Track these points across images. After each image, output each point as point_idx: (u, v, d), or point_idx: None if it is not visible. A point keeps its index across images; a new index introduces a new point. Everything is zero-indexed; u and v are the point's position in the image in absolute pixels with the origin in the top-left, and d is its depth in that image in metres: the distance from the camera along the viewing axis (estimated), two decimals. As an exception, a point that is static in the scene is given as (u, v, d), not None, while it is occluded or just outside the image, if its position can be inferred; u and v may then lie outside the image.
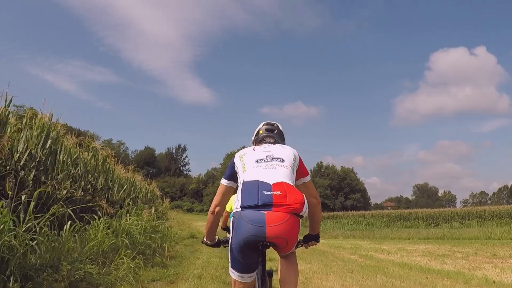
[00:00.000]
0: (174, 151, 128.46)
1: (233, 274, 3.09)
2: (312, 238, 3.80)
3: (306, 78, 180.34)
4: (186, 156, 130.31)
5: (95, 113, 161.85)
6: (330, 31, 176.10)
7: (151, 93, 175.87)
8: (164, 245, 12.37)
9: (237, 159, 3.49)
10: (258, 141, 3.86)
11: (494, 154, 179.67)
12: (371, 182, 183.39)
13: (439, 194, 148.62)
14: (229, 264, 3.10)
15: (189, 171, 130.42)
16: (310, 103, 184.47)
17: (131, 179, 15.93)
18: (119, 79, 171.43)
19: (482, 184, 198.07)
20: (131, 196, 14.82)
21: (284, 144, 3.84)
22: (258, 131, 3.96)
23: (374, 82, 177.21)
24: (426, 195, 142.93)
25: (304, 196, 3.00)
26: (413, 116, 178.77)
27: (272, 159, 3.31)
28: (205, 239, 3.90)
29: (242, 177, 3.27)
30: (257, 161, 3.31)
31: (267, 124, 3.99)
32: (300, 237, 3.62)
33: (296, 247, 3.46)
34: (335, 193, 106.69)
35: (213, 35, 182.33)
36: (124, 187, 14.20)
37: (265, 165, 3.25)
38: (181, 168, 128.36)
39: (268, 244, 3.00)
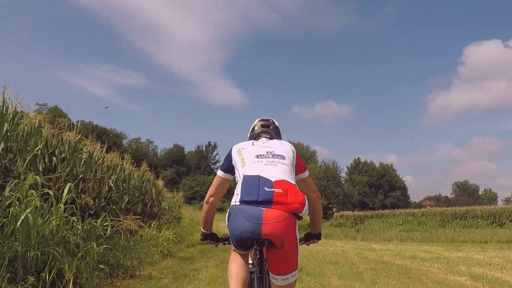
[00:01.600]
0: (204, 148, 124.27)
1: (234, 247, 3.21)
2: (313, 237, 3.90)
3: (337, 77, 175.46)
4: (217, 154, 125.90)
5: (127, 116, 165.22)
6: (359, 28, 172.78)
7: (182, 96, 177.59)
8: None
9: (234, 153, 3.52)
10: (254, 137, 3.90)
11: None
12: (405, 181, 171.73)
13: (480, 192, 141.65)
14: (230, 239, 3.23)
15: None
16: (342, 102, 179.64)
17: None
18: (150, 82, 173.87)
19: None
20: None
21: (279, 137, 3.98)
22: (253, 127, 4.06)
23: (406, 79, 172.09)
24: (466, 193, 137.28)
25: (305, 197, 3.04)
26: (446, 113, 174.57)
27: (273, 155, 3.35)
28: (202, 230, 3.89)
29: (241, 172, 3.30)
30: (257, 156, 3.34)
31: (262, 120, 4.08)
32: (301, 235, 3.72)
33: (299, 244, 3.39)
34: (374, 191, 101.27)
35: (242, 36, 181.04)
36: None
37: (266, 161, 3.27)
38: (212, 166, 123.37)
39: (264, 241, 2.97)
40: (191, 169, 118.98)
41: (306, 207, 2.99)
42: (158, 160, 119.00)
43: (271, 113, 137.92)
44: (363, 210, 66.58)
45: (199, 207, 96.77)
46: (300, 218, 3.00)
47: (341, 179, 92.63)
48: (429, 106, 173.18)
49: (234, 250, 3.23)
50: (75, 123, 11.58)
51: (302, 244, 3.85)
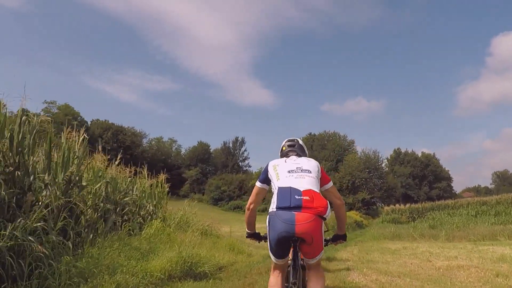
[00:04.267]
0: (231, 145, 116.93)
1: (272, 258, 4.19)
2: (339, 238, 4.78)
3: (365, 73, 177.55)
4: (245, 150, 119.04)
5: (157, 120, 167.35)
6: (385, 22, 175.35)
7: (210, 98, 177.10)
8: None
9: (270, 168, 4.47)
10: (283, 155, 4.83)
11: None
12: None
13: None
14: (268, 248, 4.16)
15: (249, 166, 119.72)
16: (371, 98, 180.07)
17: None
18: (177, 86, 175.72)
19: None
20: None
21: (305, 154, 4.91)
22: (282, 148, 4.99)
23: (435, 71, 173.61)
24: (507, 183, 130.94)
25: (328, 202, 3.99)
26: (476, 104, 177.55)
27: (301, 170, 4.25)
28: (247, 231, 5.01)
29: (276, 184, 4.21)
30: (289, 171, 4.25)
31: (288, 140, 4.99)
32: (329, 236, 4.84)
33: (325, 245, 4.54)
34: (418, 182, 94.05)
35: (269, 35, 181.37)
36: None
37: (296, 175, 4.19)
38: (240, 163, 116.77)
39: (297, 239, 3.88)
40: (218, 168, 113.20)
41: (329, 210, 3.95)
42: (181, 160, 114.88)
43: (301, 112, 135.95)
44: (408, 203, 59.81)
45: (226, 208, 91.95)
46: (325, 219, 3.96)
47: (386, 169, 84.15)
48: (459, 97, 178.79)
49: (273, 265, 4.28)
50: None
51: (330, 244, 4.83)
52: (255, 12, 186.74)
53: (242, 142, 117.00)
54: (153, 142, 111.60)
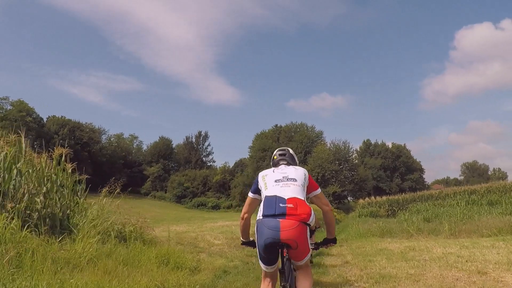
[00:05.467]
0: (194, 139, 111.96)
1: (261, 265, 4.47)
2: (330, 241, 5.03)
3: (330, 68, 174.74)
4: (209, 145, 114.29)
5: (123, 120, 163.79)
6: (349, 19, 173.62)
7: (176, 97, 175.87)
8: None
9: (260, 179, 4.76)
10: (274, 164, 5.09)
11: None
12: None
13: (489, 172, 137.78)
14: (258, 258, 4.47)
15: (213, 161, 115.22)
16: (336, 93, 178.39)
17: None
18: (143, 86, 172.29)
19: None
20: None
21: (295, 162, 5.13)
22: (273, 157, 5.24)
23: (399, 66, 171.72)
24: (476, 174, 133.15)
25: (311, 209, 4.25)
26: (441, 98, 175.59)
27: (287, 179, 4.52)
28: (242, 239, 5.23)
29: (264, 193, 4.52)
30: (275, 181, 4.53)
31: (279, 150, 5.29)
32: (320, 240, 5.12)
33: (317, 248, 5.10)
34: (390, 174, 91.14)
35: (233, 33, 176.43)
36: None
37: (282, 184, 4.46)
38: (204, 158, 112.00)
39: (283, 245, 4.18)
40: (180, 164, 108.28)
41: (313, 216, 4.23)
42: (142, 156, 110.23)
43: (267, 109, 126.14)
44: (379, 195, 58.32)
45: (190, 206, 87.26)
46: (309, 225, 4.22)
47: (355, 160, 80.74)
48: (424, 91, 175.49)
49: (263, 272, 4.54)
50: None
51: (321, 247, 5.19)
52: (219, 11, 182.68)
53: (206, 136, 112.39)
54: (113, 138, 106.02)
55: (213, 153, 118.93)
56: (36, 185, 8.74)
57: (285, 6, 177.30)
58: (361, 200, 53.22)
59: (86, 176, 11.66)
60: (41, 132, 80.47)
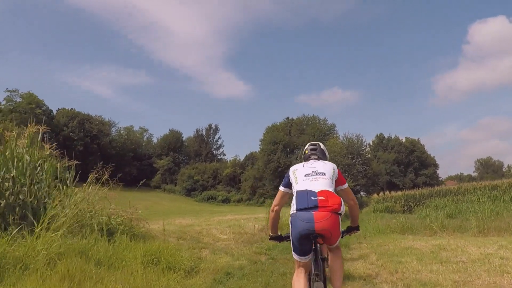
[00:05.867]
0: (204, 132, 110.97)
1: (295, 256, 4.62)
2: (353, 229, 5.34)
3: (341, 63, 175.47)
4: (219, 138, 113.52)
5: (132, 113, 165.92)
6: (359, 12, 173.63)
7: (186, 91, 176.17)
8: None
9: (291, 174, 4.95)
10: (305, 158, 5.27)
11: None
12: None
13: (504, 169, 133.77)
14: (292, 249, 4.65)
15: (224, 154, 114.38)
16: (347, 88, 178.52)
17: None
18: (153, 79, 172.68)
19: None
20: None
21: (325, 157, 5.36)
22: (304, 151, 5.45)
23: (412, 61, 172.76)
24: (491, 170, 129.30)
25: (342, 199, 4.51)
26: (453, 93, 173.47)
27: (316, 173, 4.72)
28: (270, 233, 5.44)
29: (295, 188, 4.71)
30: (305, 175, 4.74)
31: (311, 144, 5.50)
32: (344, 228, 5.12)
33: (342, 237, 4.91)
34: (403, 169, 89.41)
35: (243, 28, 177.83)
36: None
37: (312, 178, 4.67)
38: (214, 152, 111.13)
39: (317, 235, 4.42)
40: (191, 157, 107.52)
41: (343, 206, 4.45)
42: (152, 149, 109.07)
43: (277, 103, 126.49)
44: (392, 190, 55.52)
45: (200, 199, 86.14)
46: (340, 214, 4.46)
47: (368, 155, 78.97)
48: (436, 87, 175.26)
49: (297, 263, 4.67)
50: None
51: (345, 235, 5.21)
52: (228, 5, 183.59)
53: (216, 129, 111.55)
54: (122, 131, 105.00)
55: (223, 146, 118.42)
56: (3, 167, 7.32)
57: (294, 0, 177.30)
58: (375, 195, 51.49)
59: (76, 162, 10.34)
60: (50, 125, 79.38)
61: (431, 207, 32.52)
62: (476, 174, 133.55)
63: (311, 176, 4.69)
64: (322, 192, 4.42)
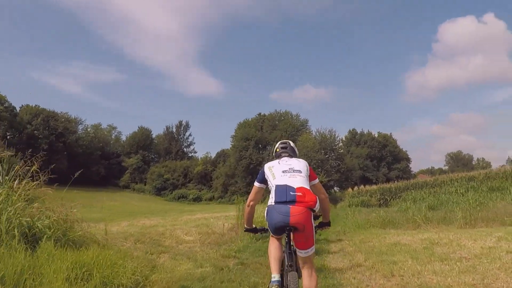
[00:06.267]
0: (174, 129, 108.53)
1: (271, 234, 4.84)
2: (325, 224, 5.50)
3: (313, 60, 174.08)
4: (190, 135, 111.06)
5: (102, 111, 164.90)
6: (332, 10, 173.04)
7: (158, 88, 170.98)
8: None
9: (266, 170, 5.05)
10: (277, 155, 5.44)
11: (508, 122, 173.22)
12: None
13: (473, 163, 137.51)
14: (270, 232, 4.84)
15: (195, 152, 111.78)
16: (319, 85, 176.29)
17: None
18: (123, 76, 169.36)
19: (498, 153, 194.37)
20: None
21: (296, 154, 5.50)
22: (276, 149, 5.60)
23: (383, 58, 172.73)
24: (461, 164, 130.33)
25: (317, 197, 4.63)
26: (424, 90, 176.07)
27: (293, 170, 4.87)
28: (245, 226, 5.54)
29: (273, 182, 4.80)
30: (283, 172, 4.86)
31: (281, 142, 5.63)
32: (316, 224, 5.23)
33: (315, 232, 5.12)
34: (377, 164, 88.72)
35: (215, 23, 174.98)
36: None
37: (289, 175, 4.80)
38: (185, 149, 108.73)
39: (291, 228, 4.50)
40: (161, 155, 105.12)
41: (318, 204, 4.62)
42: (121, 147, 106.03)
43: (249, 100, 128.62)
44: (367, 184, 56.47)
45: (170, 198, 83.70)
46: (314, 211, 4.59)
47: (341, 150, 78.16)
48: (407, 84, 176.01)
49: (271, 236, 4.93)
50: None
51: (317, 230, 5.97)
52: (200, 1, 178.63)
53: (187, 126, 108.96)
54: (90, 129, 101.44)
55: (194, 143, 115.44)
56: None
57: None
58: (350, 190, 50.92)
59: (9, 154, 8.65)
60: (13, 122, 76.82)
61: (409, 200, 31.63)
62: (447, 167, 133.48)
63: (289, 172, 4.85)
64: (300, 189, 4.58)
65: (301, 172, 4.88)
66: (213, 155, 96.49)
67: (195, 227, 14.98)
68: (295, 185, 4.62)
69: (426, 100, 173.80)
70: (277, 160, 5.17)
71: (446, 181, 36.58)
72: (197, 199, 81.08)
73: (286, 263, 4.76)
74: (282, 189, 4.60)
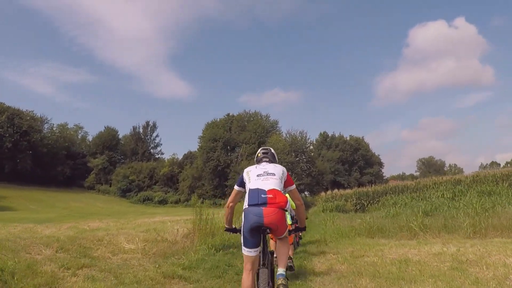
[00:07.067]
0: (141, 130, 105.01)
1: (244, 251, 4.91)
2: (300, 229, 6.12)
3: (282, 64, 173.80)
4: (157, 136, 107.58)
5: (73, 114, 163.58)
6: (303, 14, 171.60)
7: (126, 90, 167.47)
8: None
9: (245, 174, 5.40)
10: (258, 160, 5.77)
11: (479, 128, 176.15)
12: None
13: (445, 168, 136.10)
14: (242, 244, 4.95)
15: (162, 153, 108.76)
16: (289, 89, 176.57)
17: None
18: (94, 78, 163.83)
19: (468, 158, 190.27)
20: None
21: (275, 160, 5.84)
22: (257, 154, 5.94)
23: (353, 62, 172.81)
24: (433, 170, 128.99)
25: (287, 197, 5.12)
26: (394, 95, 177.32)
27: (267, 174, 5.21)
28: (226, 226, 5.89)
29: (248, 186, 5.17)
30: (257, 175, 5.21)
31: (263, 149, 6.01)
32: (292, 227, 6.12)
33: (289, 234, 5.61)
34: (348, 168, 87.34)
35: (186, 26, 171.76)
36: None
37: (263, 178, 5.15)
38: (151, 150, 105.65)
39: (266, 228, 4.88)
40: (127, 156, 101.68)
41: (289, 203, 5.06)
42: (87, 147, 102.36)
43: (219, 103, 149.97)
44: (338, 189, 53.93)
45: (135, 200, 79.91)
46: (286, 210, 4.93)
47: (312, 153, 75.92)
48: (377, 88, 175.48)
49: (245, 254, 4.94)
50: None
51: (293, 233, 6.54)
52: (172, 2, 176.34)
53: (154, 127, 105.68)
54: (55, 128, 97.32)
55: (161, 144, 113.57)
56: None
57: (239, 0, 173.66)
58: (322, 194, 48.42)
59: None
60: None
61: (389, 205, 29.20)
62: (418, 173, 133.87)
63: (263, 176, 5.20)
64: (271, 191, 4.91)
65: (274, 175, 5.20)
66: (180, 156, 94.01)
67: (145, 232, 12.45)
68: (266, 187, 4.97)
69: (396, 105, 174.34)
70: (256, 165, 5.55)
71: (429, 185, 34.30)
72: (163, 202, 78.26)
73: (260, 262, 5.02)
74: (254, 193, 4.96)
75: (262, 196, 4.86)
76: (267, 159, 5.70)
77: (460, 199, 23.67)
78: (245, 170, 5.52)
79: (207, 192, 72.71)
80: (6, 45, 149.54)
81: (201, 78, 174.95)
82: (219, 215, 13.58)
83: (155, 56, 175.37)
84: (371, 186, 47.14)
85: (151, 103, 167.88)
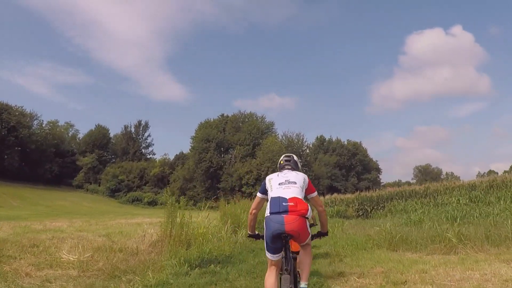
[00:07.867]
0: (133, 129, 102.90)
1: (268, 255, 5.09)
2: (322, 234, 5.93)
3: (278, 69, 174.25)
4: (149, 135, 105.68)
5: (68, 114, 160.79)
6: (299, 19, 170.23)
7: (123, 92, 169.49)
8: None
9: (267, 182, 5.47)
10: (280, 167, 5.80)
11: (474, 137, 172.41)
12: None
13: (442, 177, 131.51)
14: (265, 248, 5.13)
15: (153, 154, 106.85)
16: (285, 94, 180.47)
17: None
18: (90, 79, 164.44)
19: (463, 168, 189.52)
20: None
21: (298, 168, 5.83)
22: (280, 162, 5.95)
23: (349, 69, 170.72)
24: (429, 177, 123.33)
25: (309, 205, 5.07)
26: (389, 102, 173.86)
27: (289, 182, 5.23)
28: (249, 232, 5.97)
29: (270, 195, 5.24)
30: (279, 184, 5.25)
31: (286, 156, 6.04)
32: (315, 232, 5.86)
33: (312, 239, 5.54)
34: (345, 173, 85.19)
35: (183, 30, 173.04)
36: None
37: (284, 187, 5.18)
38: (143, 150, 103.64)
39: (287, 235, 4.90)
40: (117, 155, 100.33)
41: (310, 211, 4.98)
42: (76, 145, 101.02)
43: (214, 107, 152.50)
44: (333, 193, 55.54)
45: (124, 201, 76.57)
46: (307, 218, 4.97)
47: (308, 157, 73.47)
48: (373, 95, 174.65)
49: (269, 263, 5.14)
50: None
51: (316, 238, 5.94)
52: (169, 6, 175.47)
53: (146, 126, 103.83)
54: (45, 125, 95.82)
55: (153, 144, 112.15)
56: None
57: (234, 5, 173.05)
58: (321, 198, 45.55)
59: None
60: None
61: (396, 211, 27.43)
62: (414, 181, 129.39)
63: (284, 184, 5.20)
64: (292, 199, 4.93)
65: (295, 183, 5.22)
66: (171, 157, 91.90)
67: (105, 236, 9.99)
68: (288, 195, 5.00)
69: (391, 112, 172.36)
70: (278, 173, 5.61)
71: (440, 190, 31.57)
72: (152, 203, 75.89)
73: (283, 267, 5.06)
74: (276, 201, 5.02)
75: (284, 204, 4.92)
76: (290, 167, 5.75)
77: (495, 204, 20.79)
78: (267, 178, 5.62)
79: (198, 194, 70.60)
80: (2, 43, 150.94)
81: (197, 81, 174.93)
82: (199, 218, 11.00)
83: (151, 58, 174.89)
84: (374, 191, 44.77)
85: (146, 105, 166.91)
